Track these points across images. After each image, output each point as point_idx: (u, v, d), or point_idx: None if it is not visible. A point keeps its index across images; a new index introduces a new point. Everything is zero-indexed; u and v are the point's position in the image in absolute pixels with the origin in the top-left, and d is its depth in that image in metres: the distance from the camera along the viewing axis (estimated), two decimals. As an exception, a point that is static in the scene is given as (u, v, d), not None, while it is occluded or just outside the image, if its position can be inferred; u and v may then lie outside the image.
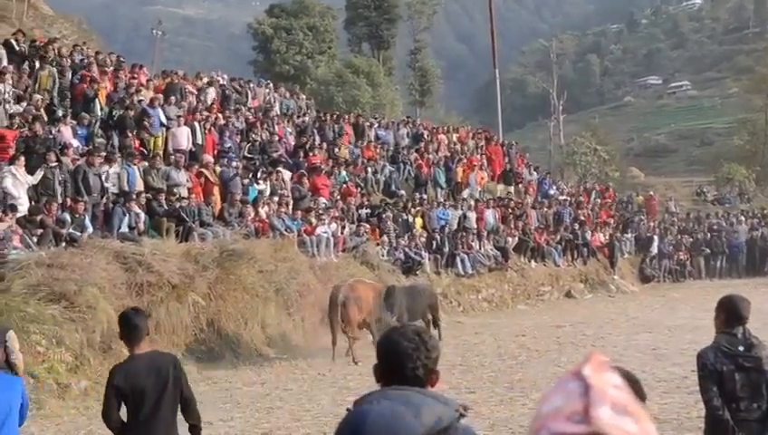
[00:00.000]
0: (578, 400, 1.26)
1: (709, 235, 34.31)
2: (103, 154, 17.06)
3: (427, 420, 2.59)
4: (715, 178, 46.96)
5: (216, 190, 19.40)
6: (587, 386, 1.27)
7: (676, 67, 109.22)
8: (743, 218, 35.68)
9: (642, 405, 1.30)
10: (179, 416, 5.67)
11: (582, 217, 30.33)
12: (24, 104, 17.45)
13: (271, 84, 29.11)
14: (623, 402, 1.26)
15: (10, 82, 17.37)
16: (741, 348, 5.18)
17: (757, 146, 51.06)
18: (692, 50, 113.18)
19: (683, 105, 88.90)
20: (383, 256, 21.07)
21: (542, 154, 53.58)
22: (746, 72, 64.30)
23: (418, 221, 23.65)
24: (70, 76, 19.54)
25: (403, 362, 2.72)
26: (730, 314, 5.28)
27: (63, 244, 14.23)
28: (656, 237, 32.38)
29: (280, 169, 21.90)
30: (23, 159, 14.97)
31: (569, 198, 32.50)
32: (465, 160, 29.42)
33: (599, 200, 34.64)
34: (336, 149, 25.27)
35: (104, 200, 16.34)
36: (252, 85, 27.35)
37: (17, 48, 19.07)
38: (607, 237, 30.01)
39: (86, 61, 20.77)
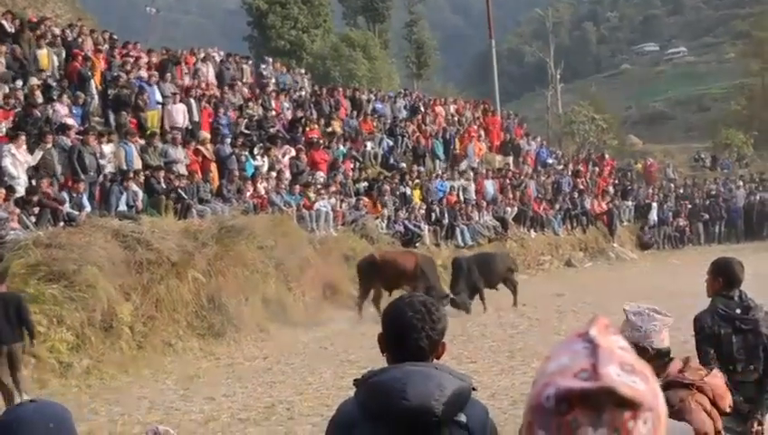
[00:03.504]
0: (585, 358, 1.25)
1: (708, 200, 34.30)
2: (98, 132, 17.01)
3: (450, 393, 2.60)
4: (713, 144, 46.84)
5: (213, 167, 19.38)
6: (594, 346, 1.26)
7: (672, 33, 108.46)
8: (741, 183, 35.67)
9: (650, 368, 1.30)
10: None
11: (581, 186, 30.31)
12: (20, 83, 17.40)
13: (270, 60, 28.95)
14: (631, 362, 1.25)
15: (2, 61, 17.31)
16: (738, 311, 5.18)
17: (754, 111, 50.83)
18: (688, 15, 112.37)
19: (680, 71, 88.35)
20: (382, 229, 21.09)
21: (539, 124, 53.33)
22: (743, 37, 64.00)
23: (417, 193, 23.63)
24: (64, 55, 19.47)
25: (408, 332, 2.69)
26: (726, 277, 5.27)
27: (62, 223, 14.22)
28: (654, 204, 32.32)
29: (278, 144, 21.83)
30: (23, 138, 14.91)
31: (566, 167, 32.49)
32: (462, 132, 29.36)
33: (597, 169, 34.57)
34: (332, 124, 25.16)
35: (101, 179, 16.31)
36: (250, 62, 27.28)
37: (8, 28, 18.96)
38: (606, 205, 30.00)
39: (80, 39, 20.67)
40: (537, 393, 1.27)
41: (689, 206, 33.77)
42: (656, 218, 31.95)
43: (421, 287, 16.34)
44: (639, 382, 1.23)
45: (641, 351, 3.50)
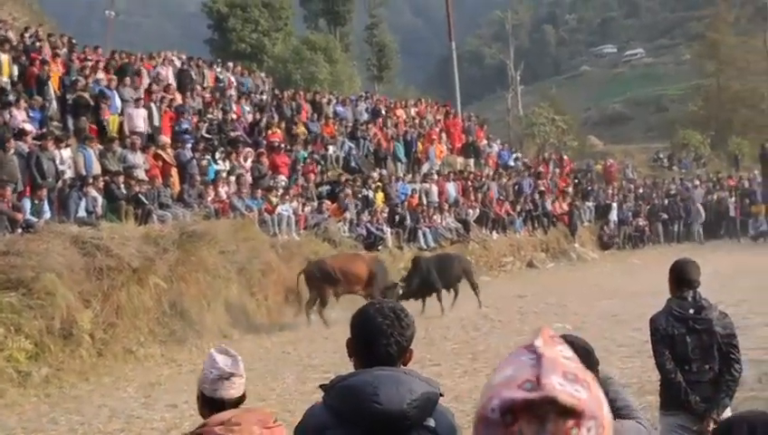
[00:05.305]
0: (529, 369, 1.27)
1: (666, 200, 34.74)
2: (55, 137, 16.79)
3: (420, 398, 2.61)
4: (671, 144, 47.49)
5: (173, 172, 19.23)
6: (538, 357, 1.28)
7: (630, 35, 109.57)
8: (698, 183, 36.18)
9: (593, 376, 1.33)
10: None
11: (542, 188, 30.53)
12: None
13: (230, 64, 28.80)
14: (574, 371, 1.29)
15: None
16: (691, 311, 5.26)
17: (711, 111, 51.68)
18: (645, 18, 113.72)
19: (638, 73, 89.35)
20: (345, 232, 21.09)
21: (500, 125, 53.67)
22: (698, 39, 64.87)
23: (379, 196, 23.66)
24: (24, 59, 19.23)
25: (377, 338, 2.69)
26: (679, 277, 5.37)
27: (19, 230, 14.02)
28: (614, 205, 32.69)
29: (239, 147, 21.76)
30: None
31: (527, 169, 32.74)
32: (424, 134, 29.46)
33: (557, 170, 34.85)
34: (294, 127, 25.10)
35: (59, 185, 16.10)
36: (213, 66, 27.17)
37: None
38: (566, 206, 30.25)
39: (38, 44, 20.43)
40: (483, 405, 1.29)
41: (648, 206, 34.19)
42: (616, 218, 32.31)
43: (377, 291, 16.39)
44: (582, 391, 1.26)
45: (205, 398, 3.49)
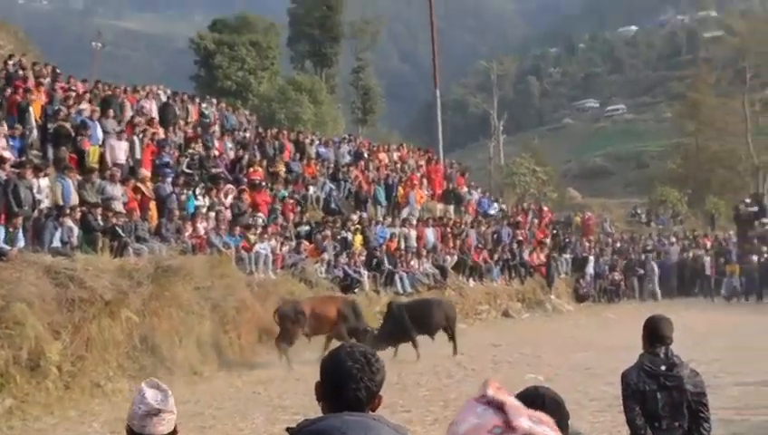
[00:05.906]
0: (495, 416, 1.29)
1: (643, 256, 34.93)
2: (34, 166, 16.69)
3: None
4: (649, 200, 48.00)
5: (152, 205, 19.15)
6: (498, 404, 1.30)
7: (612, 91, 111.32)
8: (674, 240, 36.46)
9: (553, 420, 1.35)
10: None
11: (521, 237, 30.64)
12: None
13: (214, 100, 28.89)
14: (537, 415, 1.31)
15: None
16: (663, 368, 5.27)
17: (689, 170, 52.42)
18: (628, 75, 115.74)
19: (619, 128, 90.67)
20: (321, 273, 21.02)
21: (481, 174, 54.07)
22: (679, 98, 65.97)
23: (357, 239, 23.64)
24: (6, 87, 19.20)
25: (346, 382, 2.65)
26: (652, 334, 5.38)
27: (-8, 258, 13.86)
28: (591, 258, 32.81)
29: (220, 184, 21.73)
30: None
31: (506, 218, 32.89)
32: (405, 179, 29.56)
33: (536, 220, 35.03)
34: (275, 166, 25.11)
35: (35, 214, 15.97)
36: (197, 100, 27.22)
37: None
38: (544, 257, 30.35)
39: (21, 72, 20.40)
40: None
41: (624, 260, 34.34)
42: (592, 272, 32.40)
43: (344, 331, 16.49)
44: (550, 431, 1.28)
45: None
